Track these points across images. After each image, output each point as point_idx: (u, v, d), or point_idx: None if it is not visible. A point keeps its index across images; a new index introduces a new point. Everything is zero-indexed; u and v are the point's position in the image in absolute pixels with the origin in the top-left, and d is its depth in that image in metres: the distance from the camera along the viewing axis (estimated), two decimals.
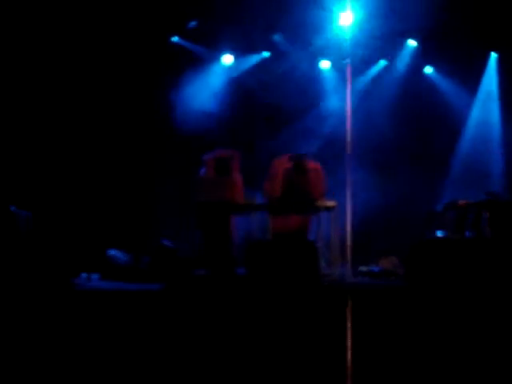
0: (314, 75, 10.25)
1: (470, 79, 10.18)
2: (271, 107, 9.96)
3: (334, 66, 10.25)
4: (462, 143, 10.31)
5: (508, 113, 10.21)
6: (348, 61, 9.02)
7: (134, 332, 5.45)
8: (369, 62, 10.15)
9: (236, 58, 10.05)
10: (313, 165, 8.42)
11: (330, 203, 8.18)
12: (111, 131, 9.55)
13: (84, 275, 7.65)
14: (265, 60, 10.20)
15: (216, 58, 10.01)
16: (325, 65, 10.32)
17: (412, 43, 10.11)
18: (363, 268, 8.42)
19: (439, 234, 8.18)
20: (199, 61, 9.91)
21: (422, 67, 10.44)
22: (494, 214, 7.79)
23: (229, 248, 8.02)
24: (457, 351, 5.01)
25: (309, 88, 10.08)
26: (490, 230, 7.70)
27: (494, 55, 10.26)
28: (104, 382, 4.45)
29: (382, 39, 9.53)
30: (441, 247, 7.31)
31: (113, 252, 8.02)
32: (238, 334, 5.41)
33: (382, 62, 10.34)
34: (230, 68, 10.08)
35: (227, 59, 10.04)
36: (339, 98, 10.19)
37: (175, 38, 9.88)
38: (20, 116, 9.24)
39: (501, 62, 10.26)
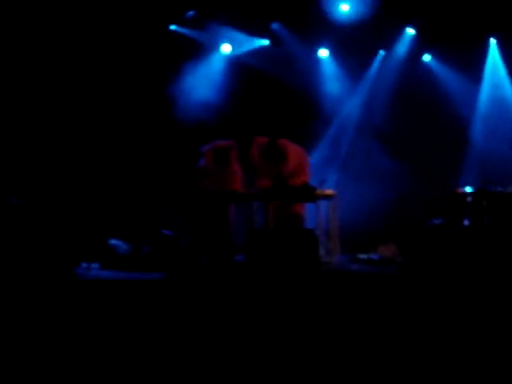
0: (313, 63, 10.24)
1: (469, 65, 10.13)
2: (271, 95, 9.96)
3: (332, 54, 10.26)
4: (474, 126, 10.19)
5: None
6: None
7: (135, 321, 5.48)
8: (367, 50, 10.13)
9: (234, 46, 10.03)
10: (293, 149, 8.40)
11: (329, 192, 8.19)
12: (110, 121, 9.55)
13: (84, 265, 7.69)
14: (263, 48, 10.18)
15: (215, 46, 10.00)
16: (323, 53, 10.30)
17: (410, 31, 10.09)
18: (362, 256, 8.44)
19: (436, 221, 8.19)
20: (198, 49, 9.89)
21: (421, 55, 10.41)
22: (491, 202, 7.81)
23: (227, 236, 8.05)
24: (455, 338, 5.05)
25: (307, 76, 10.07)
26: (487, 219, 7.72)
27: (493, 41, 10.21)
28: (105, 372, 4.47)
29: (379, 27, 9.52)
30: (438, 235, 7.34)
31: (113, 241, 8.06)
32: (238, 323, 5.44)
33: (381, 52, 10.33)
34: (228, 56, 10.07)
35: (226, 48, 10.02)
36: (338, 86, 10.22)
37: (173, 27, 9.86)
38: (22, 106, 9.26)
39: (501, 47, 10.21)
